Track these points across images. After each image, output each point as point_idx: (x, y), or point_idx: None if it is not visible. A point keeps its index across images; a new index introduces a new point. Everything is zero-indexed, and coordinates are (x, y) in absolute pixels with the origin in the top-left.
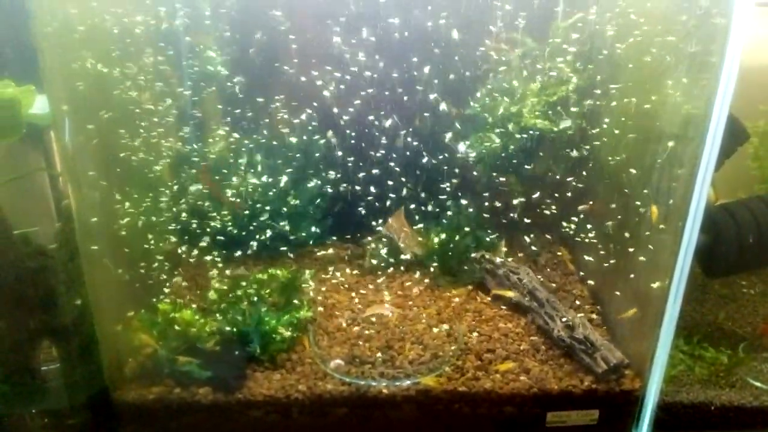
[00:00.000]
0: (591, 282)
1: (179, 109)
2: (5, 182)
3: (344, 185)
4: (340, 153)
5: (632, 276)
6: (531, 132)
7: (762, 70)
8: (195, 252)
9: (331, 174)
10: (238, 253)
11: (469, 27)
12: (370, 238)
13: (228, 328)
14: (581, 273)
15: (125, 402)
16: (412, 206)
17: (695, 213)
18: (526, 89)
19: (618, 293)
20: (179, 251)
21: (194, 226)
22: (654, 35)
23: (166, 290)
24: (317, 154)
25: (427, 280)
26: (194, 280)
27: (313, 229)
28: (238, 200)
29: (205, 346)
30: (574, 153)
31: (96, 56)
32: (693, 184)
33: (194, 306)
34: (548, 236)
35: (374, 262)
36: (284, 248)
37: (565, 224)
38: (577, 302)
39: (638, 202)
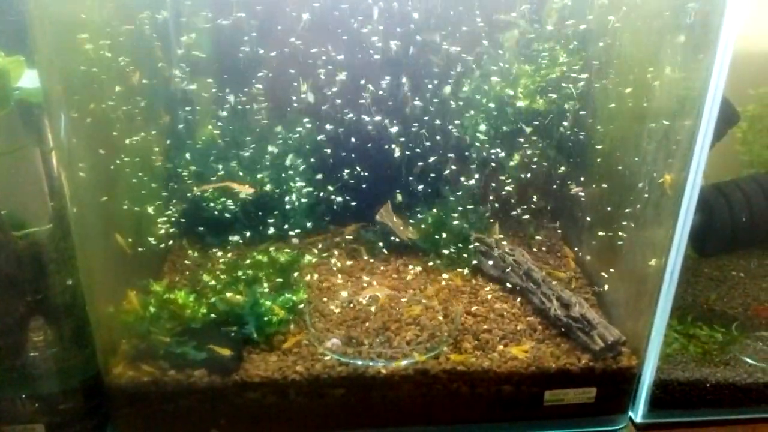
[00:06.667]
0: (585, 263)
1: (176, 91)
2: None
3: (338, 172)
4: (332, 140)
5: (627, 256)
6: (524, 113)
7: (751, 55)
8: (189, 235)
9: (325, 161)
10: (235, 237)
11: (462, 9)
12: (364, 224)
13: (223, 309)
14: (575, 255)
15: (119, 385)
16: (406, 190)
17: (691, 193)
18: (519, 70)
19: (612, 274)
20: (173, 233)
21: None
22: (649, 15)
23: (160, 272)
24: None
25: (422, 264)
26: (188, 263)
27: (308, 215)
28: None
29: (199, 327)
30: (568, 134)
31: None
32: (689, 163)
33: (190, 287)
34: (542, 219)
35: (368, 247)
36: (279, 234)
37: (558, 206)
38: (572, 284)
39: (634, 183)
